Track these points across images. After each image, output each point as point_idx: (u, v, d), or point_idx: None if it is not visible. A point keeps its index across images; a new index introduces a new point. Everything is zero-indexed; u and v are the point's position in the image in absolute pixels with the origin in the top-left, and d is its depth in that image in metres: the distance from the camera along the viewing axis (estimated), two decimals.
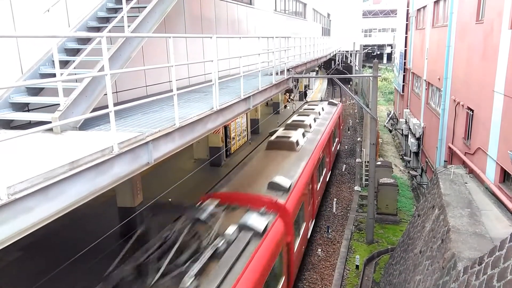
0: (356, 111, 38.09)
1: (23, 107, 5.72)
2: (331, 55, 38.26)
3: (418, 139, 20.51)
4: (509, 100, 9.46)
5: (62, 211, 3.67)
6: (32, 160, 3.87)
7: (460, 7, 14.48)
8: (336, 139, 21.44)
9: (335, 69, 38.21)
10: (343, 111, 37.29)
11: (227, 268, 6.39)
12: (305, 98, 36.78)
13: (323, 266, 12.94)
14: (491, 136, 10.48)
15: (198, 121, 6.35)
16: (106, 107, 4.50)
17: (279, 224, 8.56)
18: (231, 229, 7.30)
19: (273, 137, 14.32)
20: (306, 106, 22.63)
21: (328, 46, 36.28)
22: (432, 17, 19.49)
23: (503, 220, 8.34)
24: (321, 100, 27.22)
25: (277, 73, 12.11)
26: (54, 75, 5.71)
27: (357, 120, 35.09)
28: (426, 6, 21.18)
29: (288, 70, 13.51)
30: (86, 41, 6.61)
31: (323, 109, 21.33)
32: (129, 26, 6.54)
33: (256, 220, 7.88)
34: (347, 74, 36.82)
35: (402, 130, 25.39)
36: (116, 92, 8.07)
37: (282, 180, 10.12)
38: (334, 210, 16.87)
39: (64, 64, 6.21)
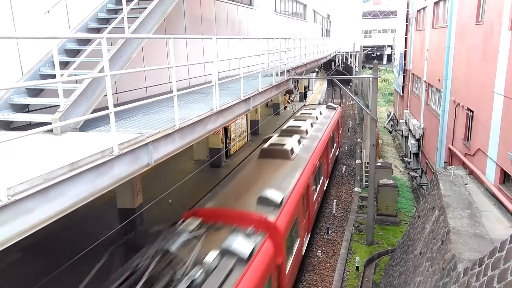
0: (356, 112, 38.11)
1: (23, 108, 5.72)
2: (331, 56, 38.29)
3: (418, 140, 20.51)
4: (509, 101, 9.46)
5: (62, 212, 3.67)
6: (32, 161, 3.87)
7: (460, 8, 14.49)
8: (335, 145, 20.55)
9: (335, 70, 38.22)
10: (343, 114, 37.36)
11: None
12: (305, 99, 36.79)
13: (323, 267, 12.93)
14: (491, 137, 10.48)
15: (198, 122, 6.35)
16: (106, 108, 4.50)
17: (268, 245, 7.82)
18: (211, 256, 6.58)
19: (266, 145, 13.49)
20: (303, 111, 21.52)
21: (328, 47, 36.30)
22: (432, 18, 19.51)
23: (503, 221, 8.33)
24: (319, 104, 25.81)
25: (277, 74, 12.11)
26: (54, 76, 5.71)
27: (357, 121, 35.11)
28: (426, 7, 21.20)
29: (288, 71, 13.52)
30: (86, 42, 6.62)
31: (320, 113, 20.49)
32: (129, 27, 6.54)
33: (241, 243, 7.08)
34: (347, 75, 36.84)
35: (402, 131, 25.39)
36: (116, 93, 8.07)
37: (273, 194, 9.28)
38: (334, 211, 16.86)
39: (64, 65, 6.22)
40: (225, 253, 6.90)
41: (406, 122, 24.19)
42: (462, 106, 13.36)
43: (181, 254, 6.41)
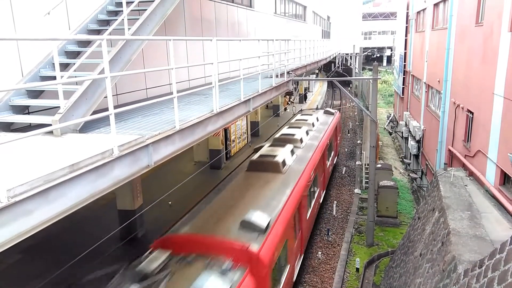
0: (356, 113, 38.14)
1: (23, 109, 5.72)
2: (331, 57, 38.33)
3: (418, 141, 20.51)
4: (509, 102, 9.46)
5: (62, 214, 3.66)
6: (32, 162, 3.86)
7: (460, 10, 14.51)
8: (332, 153, 19.32)
9: (335, 72, 38.24)
10: (342, 116, 37.32)
11: None
12: (305, 100, 36.80)
13: (323, 269, 12.92)
14: (491, 139, 10.48)
15: (198, 124, 6.35)
16: (106, 109, 4.50)
17: (249, 284, 6.65)
18: None
19: (255, 156, 12.31)
20: (298, 117, 20.01)
21: (328, 49, 36.34)
22: (432, 19, 19.53)
23: (503, 223, 8.33)
24: (317, 109, 24.24)
25: (277, 76, 12.12)
26: (54, 78, 5.71)
27: (357, 123, 35.14)
28: (425, 8, 21.23)
29: (288, 72, 13.54)
30: (86, 43, 6.62)
31: (317, 120, 19.35)
32: (129, 28, 6.55)
33: (214, 285, 6.04)
34: (347, 76, 36.84)
35: (402, 132, 25.40)
36: (116, 94, 8.08)
37: (258, 217, 8.10)
38: (334, 213, 16.85)
39: (64, 66, 6.22)
40: None
41: (406, 124, 24.20)
42: (462, 108, 13.37)
43: None
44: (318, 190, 14.36)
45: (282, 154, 12.21)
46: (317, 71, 44.06)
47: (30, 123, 5.73)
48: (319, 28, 40.06)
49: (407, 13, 27.41)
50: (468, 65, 13.20)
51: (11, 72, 5.85)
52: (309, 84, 41.89)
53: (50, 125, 4.75)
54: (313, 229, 14.28)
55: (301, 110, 24.73)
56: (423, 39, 21.43)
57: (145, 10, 6.90)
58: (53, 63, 5.64)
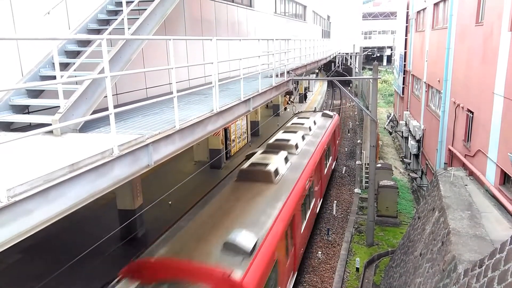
0: (356, 113, 38.15)
1: (23, 109, 5.73)
2: (331, 57, 38.34)
3: (418, 141, 20.52)
4: (509, 102, 9.46)
5: (62, 213, 3.66)
6: (32, 162, 3.86)
7: (460, 9, 14.50)
8: (330, 158, 18.35)
9: (335, 71, 38.23)
10: (343, 116, 37.32)
11: None
12: (305, 100, 36.79)
13: (323, 268, 12.92)
14: (491, 138, 10.48)
15: (198, 123, 6.35)
16: (106, 109, 4.50)
17: None
18: None
19: (246, 164, 11.34)
20: (295, 120, 18.84)
21: (328, 48, 36.34)
22: (432, 19, 19.53)
23: (503, 222, 8.33)
24: (315, 111, 23.05)
25: (277, 75, 12.12)
26: (54, 77, 5.72)
27: (357, 122, 35.15)
28: (425, 8, 21.23)
29: (288, 72, 13.53)
30: (86, 43, 6.62)
31: (315, 123, 18.35)
32: (129, 28, 6.55)
33: None
34: (347, 76, 36.85)
35: (402, 132, 25.41)
36: (116, 94, 8.08)
37: (244, 238, 7.20)
38: (334, 213, 16.86)
39: (64, 66, 6.22)
40: None
41: (406, 123, 24.20)
42: (462, 107, 13.37)
43: None
44: (314, 200, 13.48)
45: (275, 162, 11.34)
46: (317, 71, 44.04)
47: (30, 123, 5.73)
48: (319, 28, 40.06)
49: (407, 12, 27.41)
50: (468, 65, 13.20)
51: (11, 72, 5.85)
52: (309, 83, 41.90)
53: (50, 124, 4.76)
54: (313, 229, 14.26)
55: (298, 112, 23.89)
56: (423, 38, 21.43)
57: (145, 9, 6.90)
58: (53, 63, 5.64)
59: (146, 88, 9.21)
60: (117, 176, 4.42)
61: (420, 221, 10.92)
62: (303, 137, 15.15)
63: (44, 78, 5.88)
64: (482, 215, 8.67)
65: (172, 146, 5.59)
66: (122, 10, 6.65)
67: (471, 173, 11.42)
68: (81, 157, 3.94)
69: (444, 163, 13.43)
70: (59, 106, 5.18)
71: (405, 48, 27.98)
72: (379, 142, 26.41)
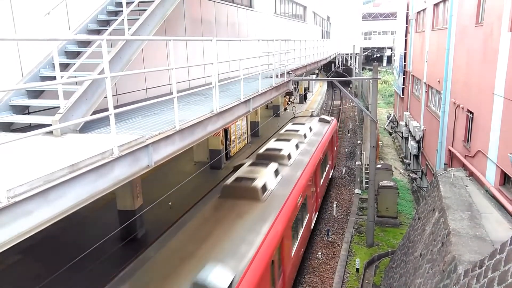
0: (356, 113, 38.15)
1: (23, 110, 5.73)
2: (331, 57, 38.37)
3: (418, 141, 20.52)
4: (509, 102, 9.46)
5: (61, 214, 3.66)
6: (32, 163, 3.86)
7: (460, 10, 14.51)
8: (327, 167, 17.13)
9: (335, 72, 38.25)
10: (342, 119, 37.30)
11: None
12: (305, 100, 36.80)
13: (323, 269, 12.92)
14: (491, 139, 10.48)
15: (198, 124, 6.35)
16: (106, 109, 4.50)
17: None
18: None
19: (231, 179, 10.08)
20: (289, 126, 17.40)
21: (328, 49, 36.36)
22: (432, 20, 19.54)
23: (504, 223, 8.33)
24: (311, 116, 21.58)
25: (277, 76, 12.12)
26: (54, 78, 5.72)
27: (357, 123, 35.15)
28: (425, 9, 21.24)
29: (288, 72, 13.54)
30: (86, 44, 6.62)
31: (311, 129, 17.06)
32: (129, 29, 6.55)
33: None
34: (347, 76, 36.86)
35: (402, 132, 25.41)
36: (116, 94, 8.08)
37: (217, 276, 6.09)
38: (334, 213, 16.86)
39: (64, 66, 6.22)
40: None
41: (406, 124, 24.20)
42: (462, 108, 13.37)
43: None
44: (308, 216, 12.29)
45: (263, 176, 10.17)
46: (317, 71, 44.07)
47: (30, 123, 5.73)
48: (319, 28, 40.07)
49: (407, 13, 27.43)
50: (468, 65, 13.20)
51: (11, 72, 5.85)
52: (309, 84, 41.91)
53: (50, 125, 4.76)
54: (313, 230, 14.25)
55: (294, 117, 22.68)
56: (423, 39, 21.44)
57: (145, 10, 6.90)
58: (53, 63, 5.64)
59: (146, 89, 9.21)
60: (117, 177, 4.42)
61: (420, 222, 10.92)
62: (297, 146, 13.99)
63: (44, 78, 5.89)
64: (482, 216, 8.67)
65: (172, 146, 5.60)
66: (122, 11, 6.65)
67: (471, 174, 11.42)
68: (81, 157, 3.94)
69: (444, 164, 13.43)
70: (59, 107, 5.18)
71: (405, 49, 28.00)
72: (379, 142, 26.41)
